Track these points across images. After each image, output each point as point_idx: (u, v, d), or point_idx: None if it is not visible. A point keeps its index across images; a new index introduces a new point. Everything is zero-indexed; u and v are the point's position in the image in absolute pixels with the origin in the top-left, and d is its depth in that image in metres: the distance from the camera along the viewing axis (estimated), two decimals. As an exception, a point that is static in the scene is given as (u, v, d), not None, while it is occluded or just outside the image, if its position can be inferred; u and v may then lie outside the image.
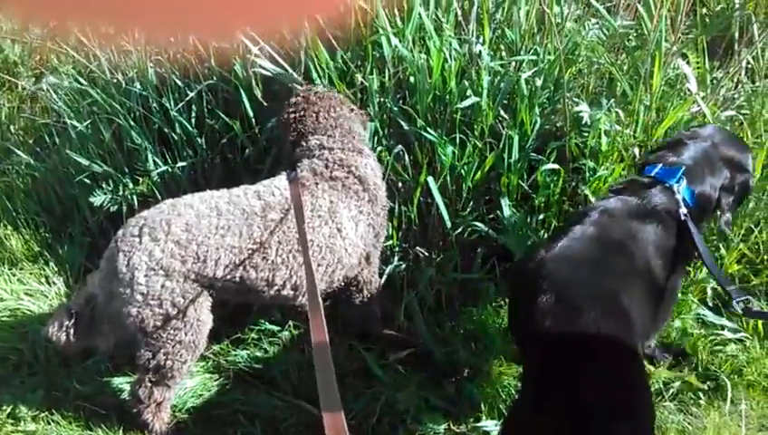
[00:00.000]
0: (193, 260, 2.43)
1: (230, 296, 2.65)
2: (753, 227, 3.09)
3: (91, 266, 3.43)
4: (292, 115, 2.88)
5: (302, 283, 2.58)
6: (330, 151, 2.78)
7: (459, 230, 3.15)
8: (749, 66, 3.34)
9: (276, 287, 2.59)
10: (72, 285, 3.44)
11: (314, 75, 3.19)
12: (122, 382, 3.02)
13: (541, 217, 3.11)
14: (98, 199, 3.38)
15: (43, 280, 3.44)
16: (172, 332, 2.51)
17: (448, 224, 3.14)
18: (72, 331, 2.57)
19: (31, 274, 3.46)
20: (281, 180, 2.67)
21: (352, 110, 2.95)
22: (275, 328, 3.16)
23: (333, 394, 1.60)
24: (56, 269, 3.49)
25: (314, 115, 2.85)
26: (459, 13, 3.21)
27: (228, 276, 2.50)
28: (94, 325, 2.60)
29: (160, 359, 2.57)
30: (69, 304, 2.65)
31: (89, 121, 3.50)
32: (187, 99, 3.34)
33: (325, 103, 2.88)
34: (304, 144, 2.83)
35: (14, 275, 3.45)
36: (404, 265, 3.22)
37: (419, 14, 3.13)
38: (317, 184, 2.68)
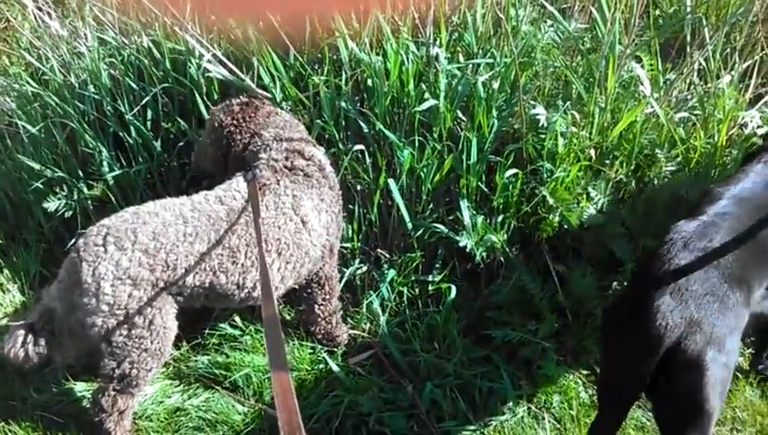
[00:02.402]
0: (162, 268, 2.41)
1: (198, 303, 2.63)
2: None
3: (46, 273, 3.38)
4: (241, 115, 2.86)
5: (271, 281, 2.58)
6: (288, 142, 2.80)
7: (420, 232, 3.17)
8: (701, 68, 3.40)
9: (247, 290, 2.60)
10: (27, 292, 3.38)
11: (266, 79, 3.18)
12: (81, 390, 2.99)
13: (500, 218, 3.14)
14: (52, 205, 3.32)
15: (-5, 287, 3.37)
16: (138, 340, 2.49)
17: (409, 226, 3.15)
18: (30, 346, 2.52)
19: (-17, 281, 3.39)
20: (239, 183, 2.67)
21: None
22: (236, 332, 3.15)
23: (281, 355, 1.70)
24: (10, 276, 3.43)
25: (266, 114, 2.87)
26: (416, 16, 3.22)
27: (198, 283, 2.49)
28: (53, 339, 2.55)
29: (125, 368, 2.54)
30: (26, 319, 2.60)
31: (42, 125, 3.43)
32: (143, 102, 3.30)
33: (274, 110, 2.94)
34: (258, 141, 2.83)
35: (-33, 284, 3.38)
36: (365, 268, 3.23)
37: (376, 16, 3.13)
38: (278, 181, 2.69)
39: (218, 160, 2.93)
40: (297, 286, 2.88)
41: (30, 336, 2.53)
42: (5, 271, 3.44)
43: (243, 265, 2.54)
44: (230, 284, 2.55)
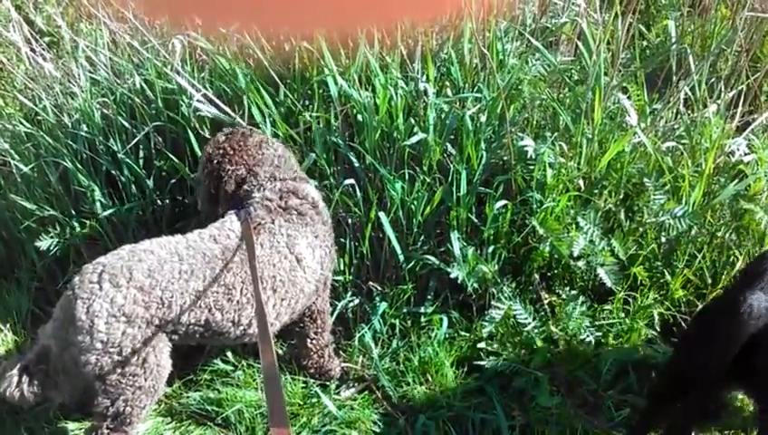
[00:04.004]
0: (157, 306, 2.42)
1: (193, 340, 2.63)
2: (696, 253, 3.17)
3: (39, 312, 3.38)
4: (228, 144, 2.86)
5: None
6: (282, 182, 2.81)
7: (411, 264, 3.18)
8: (687, 97, 3.44)
9: (242, 327, 2.60)
10: (20, 331, 3.37)
11: (257, 116, 3.21)
12: (73, 429, 2.96)
13: (491, 249, 3.15)
14: (44, 243, 3.33)
15: (-12, 325, 3.37)
16: (132, 378, 2.48)
17: (401, 258, 3.16)
18: (25, 386, 2.50)
19: (-24, 319, 3.38)
20: (232, 222, 2.68)
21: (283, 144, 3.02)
22: (228, 368, 3.14)
23: (281, 407, 1.65)
24: (3, 316, 3.42)
25: (257, 143, 2.87)
26: (404, 51, 3.26)
27: (194, 320, 2.50)
28: (48, 378, 2.53)
29: (119, 406, 2.52)
30: (21, 359, 2.59)
31: (34, 164, 3.45)
32: (135, 140, 3.32)
33: (264, 138, 2.92)
34: (253, 180, 2.83)
35: (-41, 322, 3.37)
36: (357, 300, 3.24)
37: (365, 52, 3.18)
38: (273, 220, 2.70)
39: (211, 196, 2.94)
40: (288, 323, 2.88)
41: (25, 376, 2.50)
42: (-2, 309, 3.44)
43: (238, 301, 2.55)
44: (225, 321, 2.56)
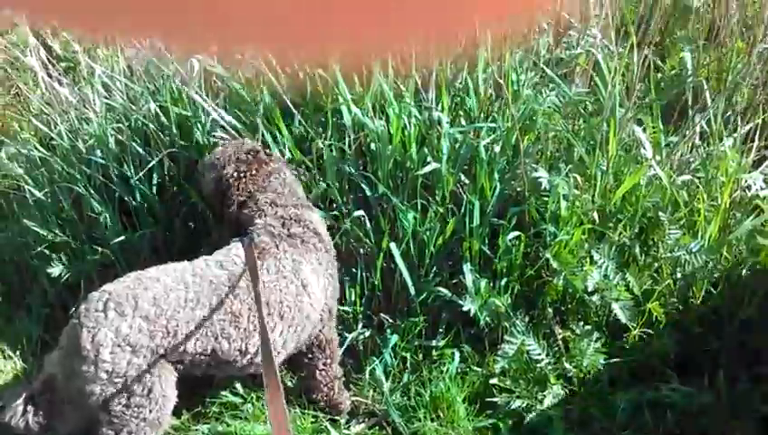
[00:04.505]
0: (162, 335, 2.39)
1: (199, 370, 2.60)
2: (712, 289, 3.12)
3: (49, 339, 3.36)
4: (246, 168, 2.88)
5: (273, 345, 2.55)
6: (284, 208, 2.82)
7: (423, 296, 3.15)
8: (703, 130, 3.40)
9: (249, 356, 2.57)
10: (29, 358, 3.36)
11: (271, 143, 3.21)
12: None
13: (503, 281, 3.12)
14: (56, 269, 3.33)
15: (-2, 354, 3.35)
16: (137, 409, 2.44)
17: (412, 290, 3.13)
18: (30, 416, 2.48)
19: (-14, 348, 3.37)
20: (238, 249, 2.67)
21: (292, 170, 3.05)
22: (237, 401, 3.10)
23: (285, 425, 1.68)
24: (13, 342, 3.41)
25: (268, 174, 2.88)
26: (418, 80, 3.25)
27: (200, 349, 2.47)
28: (54, 407, 2.51)
29: None
30: (27, 387, 2.57)
31: (48, 190, 3.46)
32: (149, 166, 3.32)
33: (275, 168, 2.94)
34: (253, 205, 2.84)
35: (-32, 350, 3.36)
36: (368, 332, 3.21)
37: (379, 81, 3.18)
38: (277, 246, 2.70)
39: (216, 195, 2.98)
40: (297, 351, 2.86)
41: (30, 405, 2.49)
42: (8, 337, 3.42)
43: (245, 329, 2.53)
44: (233, 350, 2.53)
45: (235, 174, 2.88)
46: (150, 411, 2.47)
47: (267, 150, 3.08)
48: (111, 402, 2.40)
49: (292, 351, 2.77)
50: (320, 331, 2.86)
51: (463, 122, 3.32)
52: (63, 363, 2.45)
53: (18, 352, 3.38)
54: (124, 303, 2.38)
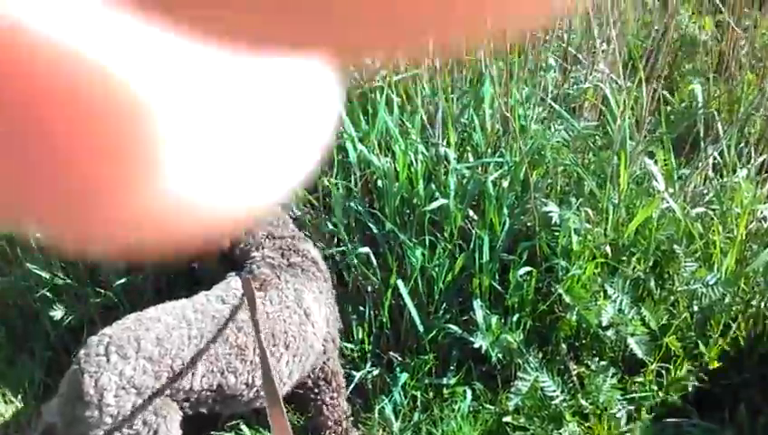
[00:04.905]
0: (168, 374, 2.35)
1: (204, 407, 2.54)
2: (731, 322, 3.03)
3: (51, 383, 3.29)
4: None
5: (279, 376, 2.53)
6: (281, 240, 2.82)
7: (432, 333, 3.08)
8: (716, 162, 3.35)
9: (256, 389, 2.53)
10: (31, 402, 3.28)
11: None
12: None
13: (515, 317, 3.04)
14: (58, 313, 3.28)
15: (-1, 398, 3.28)
16: None
17: (421, 327, 3.06)
18: None
19: (-13, 392, 3.30)
20: (237, 282, 2.64)
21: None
22: (244, 443, 3.02)
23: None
24: (15, 386, 3.34)
25: None
26: (425, 117, 3.23)
27: (206, 386, 2.43)
28: None
29: None
30: None
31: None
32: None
33: None
34: (251, 239, 2.84)
35: (-31, 395, 3.28)
36: (376, 371, 3.13)
37: (384, 118, 3.16)
38: (279, 276, 2.69)
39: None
40: (304, 387, 2.82)
41: None
42: (9, 380, 3.36)
43: (252, 362, 2.48)
44: (239, 383, 2.49)
45: None
46: None
47: None
48: None
49: (296, 381, 2.72)
50: (324, 363, 2.82)
51: (470, 158, 3.29)
52: (64, 411, 2.38)
53: (20, 396, 3.30)
54: (126, 345, 2.33)
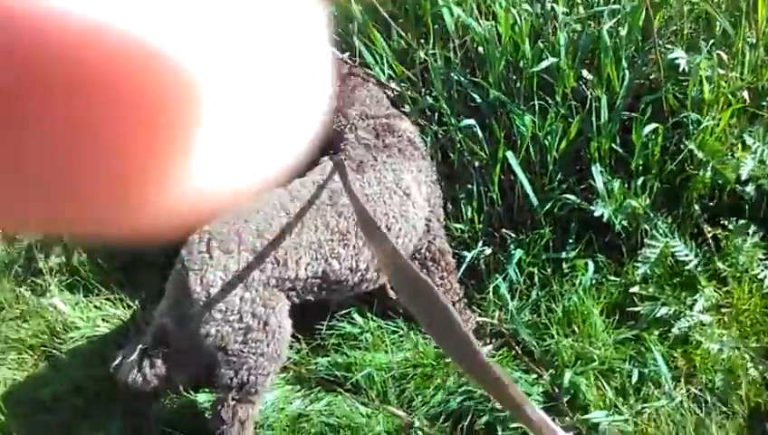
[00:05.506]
0: (272, 266, 2.31)
1: (311, 295, 2.51)
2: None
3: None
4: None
5: None
6: (375, 120, 2.71)
7: (548, 206, 2.85)
8: None
9: (360, 272, 2.49)
10: (149, 306, 3.33)
11: (369, 59, 3.01)
12: (203, 401, 2.86)
13: (640, 181, 2.77)
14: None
15: (118, 304, 3.33)
16: (254, 345, 2.38)
17: (534, 200, 2.84)
18: (147, 370, 2.45)
19: (107, 299, 3.36)
20: (330, 165, 2.55)
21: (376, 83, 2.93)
22: (356, 331, 2.93)
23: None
24: (132, 292, 3.39)
25: (352, 88, 2.79)
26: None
27: (311, 274, 2.39)
28: (169, 358, 2.48)
29: (243, 375, 2.43)
30: (140, 343, 2.53)
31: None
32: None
33: (359, 81, 2.84)
34: (342, 120, 2.73)
35: (90, 302, 3.35)
36: (489, 250, 2.94)
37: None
38: (375, 158, 2.59)
39: None
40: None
41: (145, 360, 2.46)
42: (126, 287, 3.40)
43: (354, 246, 2.43)
44: (344, 269, 2.44)
45: None
46: (268, 345, 2.40)
47: (347, 61, 2.93)
48: (229, 341, 2.35)
49: None
50: (430, 242, 2.71)
51: (580, 10, 2.97)
52: (173, 312, 2.41)
53: (137, 301, 3.34)
54: (227, 240, 2.30)
